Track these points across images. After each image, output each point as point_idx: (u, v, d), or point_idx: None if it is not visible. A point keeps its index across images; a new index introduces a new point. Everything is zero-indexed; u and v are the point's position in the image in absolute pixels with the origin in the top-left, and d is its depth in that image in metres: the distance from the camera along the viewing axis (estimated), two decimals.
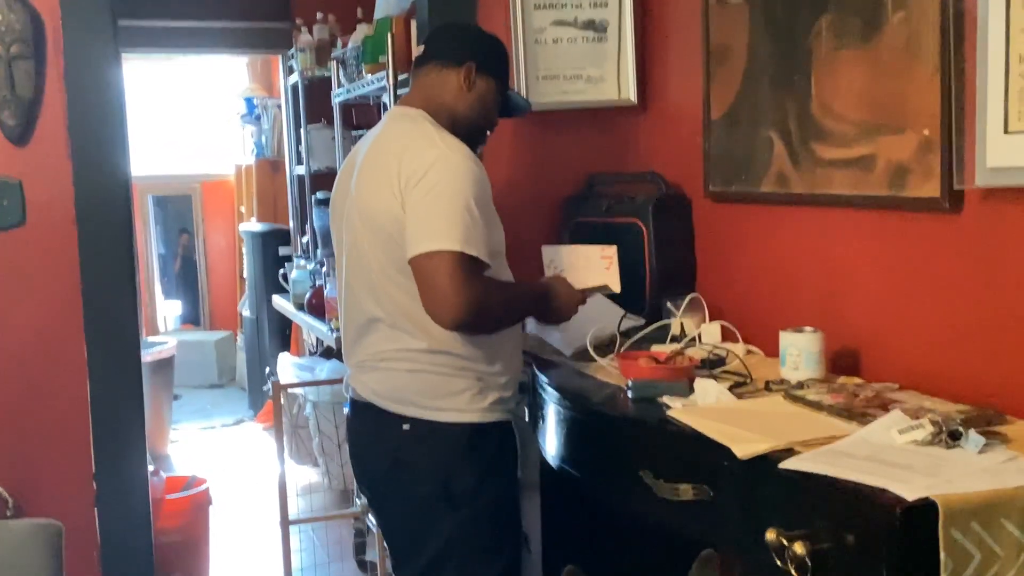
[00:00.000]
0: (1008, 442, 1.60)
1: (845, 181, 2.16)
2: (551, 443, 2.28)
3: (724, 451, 1.67)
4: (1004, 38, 1.69)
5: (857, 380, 2.07)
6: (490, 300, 1.93)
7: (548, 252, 2.65)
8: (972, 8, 1.78)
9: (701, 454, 1.74)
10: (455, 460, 2.01)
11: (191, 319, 7.79)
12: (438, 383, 2.00)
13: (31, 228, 2.56)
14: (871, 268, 2.13)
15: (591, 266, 2.51)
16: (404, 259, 1.92)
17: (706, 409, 1.90)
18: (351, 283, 2.10)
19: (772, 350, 2.25)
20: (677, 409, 1.90)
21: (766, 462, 1.60)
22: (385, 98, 3.54)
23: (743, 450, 1.64)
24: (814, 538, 1.47)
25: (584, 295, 2.23)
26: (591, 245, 2.58)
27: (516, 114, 2.36)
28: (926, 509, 1.35)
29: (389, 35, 3.15)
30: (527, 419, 2.45)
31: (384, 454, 2.05)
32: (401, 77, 3.19)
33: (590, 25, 2.87)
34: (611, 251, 2.53)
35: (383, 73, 3.24)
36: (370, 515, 3.36)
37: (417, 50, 2.28)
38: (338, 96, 4.11)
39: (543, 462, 2.43)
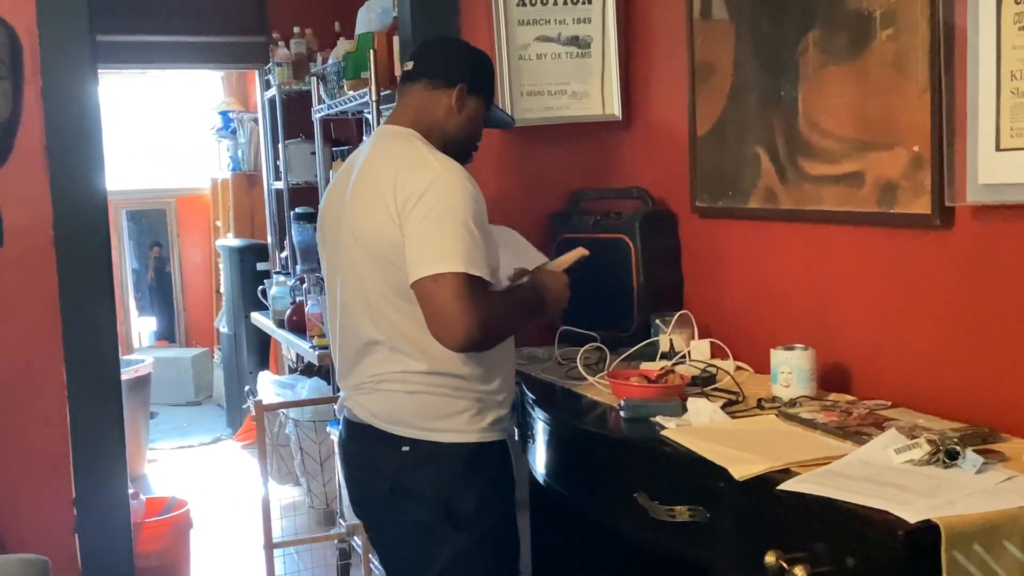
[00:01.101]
0: (1005, 460, 1.60)
1: (834, 197, 2.16)
2: (541, 462, 2.27)
3: (721, 472, 1.66)
4: (995, 55, 1.69)
5: (849, 397, 2.07)
6: (496, 316, 1.91)
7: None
8: (962, 24, 1.78)
9: (697, 475, 1.72)
10: (456, 482, 1.98)
11: (166, 335, 7.71)
12: (437, 404, 1.98)
13: (8, 250, 2.51)
14: (861, 284, 2.13)
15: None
16: (403, 282, 1.90)
17: (700, 429, 1.88)
18: (348, 306, 2.06)
19: (762, 367, 2.24)
20: (671, 429, 1.88)
21: (763, 483, 1.60)
22: (367, 114, 3.52)
23: (740, 471, 1.63)
24: (814, 561, 1.46)
25: (565, 274, 2.20)
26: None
27: (498, 127, 2.35)
28: (928, 532, 1.35)
29: (371, 51, 3.13)
30: (516, 437, 2.43)
31: (383, 477, 2.02)
32: (384, 93, 3.16)
33: (574, 41, 2.87)
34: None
35: (365, 89, 3.21)
36: (355, 537, 3.32)
37: (403, 66, 2.25)
38: (319, 112, 4.08)
39: (532, 480, 2.41)
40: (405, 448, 1.98)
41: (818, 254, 2.25)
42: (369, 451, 2.06)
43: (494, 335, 1.94)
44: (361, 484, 2.13)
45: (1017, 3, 1.66)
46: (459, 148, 2.12)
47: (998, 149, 1.71)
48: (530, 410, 2.30)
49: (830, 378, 2.15)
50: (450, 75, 2.10)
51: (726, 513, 1.67)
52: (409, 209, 1.88)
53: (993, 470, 1.54)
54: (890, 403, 1.96)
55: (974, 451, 1.57)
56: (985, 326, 1.84)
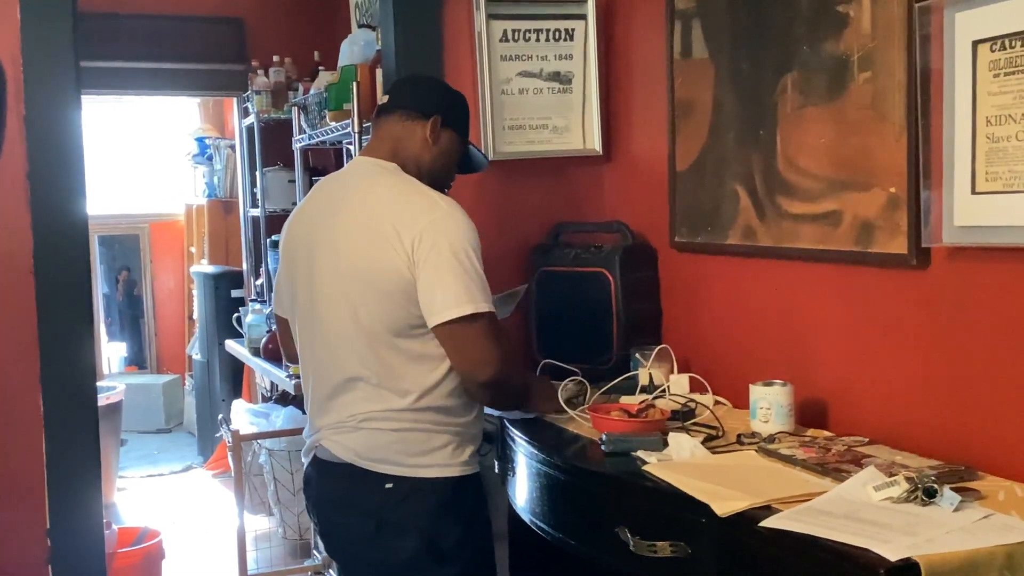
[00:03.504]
0: (981, 498, 1.62)
1: (812, 235, 2.19)
2: (522, 496, 2.27)
3: (702, 508, 1.67)
4: (971, 100, 1.74)
5: (827, 433, 2.09)
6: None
7: None
8: (938, 70, 1.82)
9: (679, 511, 1.74)
10: (439, 516, 2.00)
11: (136, 361, 7.63)
12: (420, 440, 2.00)
13: None
14: (838, 322, 2.16)
15: None
16: (401, 319, 1.94)
17: (682, 464, 1.90)
18: (330, 340, 2.05)
19: (740, 401, 2.27)
20: (653, 464, 1.90)
21: (745, 520, 1.61)
22: (348, 144, 3.53)
23: (722, 507, 1.64)
24: None
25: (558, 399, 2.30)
26: None
27: (474, 170, 2.37)
28: (908, 570, 1.37)
29: (354, 83, 3.15)
30: (496, 470, 2.44)
31: (366, 515, 2.01)
32: (366, 124, 3.18)
33: (555, 76, 2.90)
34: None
35: (347, 120, 3.23)
36: (331, 569, 3.30)
37: (381, 99, 2.28)
38: (300, 142, 4.09)
39: (511, 513, 2.41)
40: (388, 485, 1.99)
41: (796, 291, 2.28)
42: (348, 490, 2.05)
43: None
44: (338, 524, 2.11)
45: (992, 51, 1.71)
46: (434, 181, 2.13)
47: (974, 192, 1.75)
48: (511, 443, 2.31)
49: (808, 413, 2.18)
50: (425, 107, 2.13)
51: (708, 549, 1.68)
52: (424, 250, 1.92)
53: (970, 508, 1.57)
54: (867, 439, 1.98)
55: (951, 489, 1.59)
56: (960, 365, 1.87)
